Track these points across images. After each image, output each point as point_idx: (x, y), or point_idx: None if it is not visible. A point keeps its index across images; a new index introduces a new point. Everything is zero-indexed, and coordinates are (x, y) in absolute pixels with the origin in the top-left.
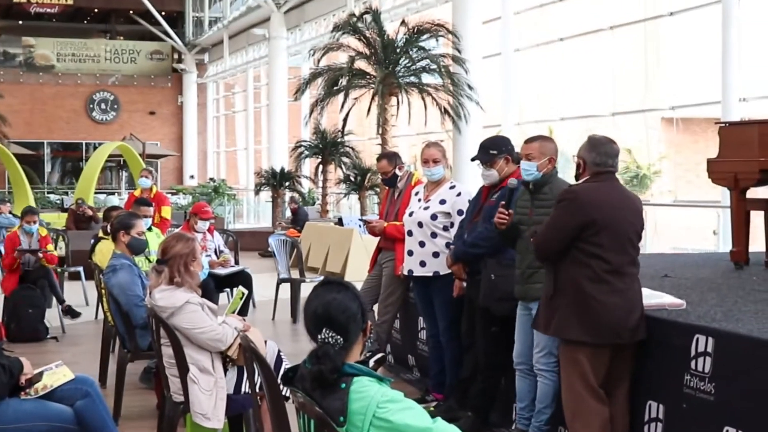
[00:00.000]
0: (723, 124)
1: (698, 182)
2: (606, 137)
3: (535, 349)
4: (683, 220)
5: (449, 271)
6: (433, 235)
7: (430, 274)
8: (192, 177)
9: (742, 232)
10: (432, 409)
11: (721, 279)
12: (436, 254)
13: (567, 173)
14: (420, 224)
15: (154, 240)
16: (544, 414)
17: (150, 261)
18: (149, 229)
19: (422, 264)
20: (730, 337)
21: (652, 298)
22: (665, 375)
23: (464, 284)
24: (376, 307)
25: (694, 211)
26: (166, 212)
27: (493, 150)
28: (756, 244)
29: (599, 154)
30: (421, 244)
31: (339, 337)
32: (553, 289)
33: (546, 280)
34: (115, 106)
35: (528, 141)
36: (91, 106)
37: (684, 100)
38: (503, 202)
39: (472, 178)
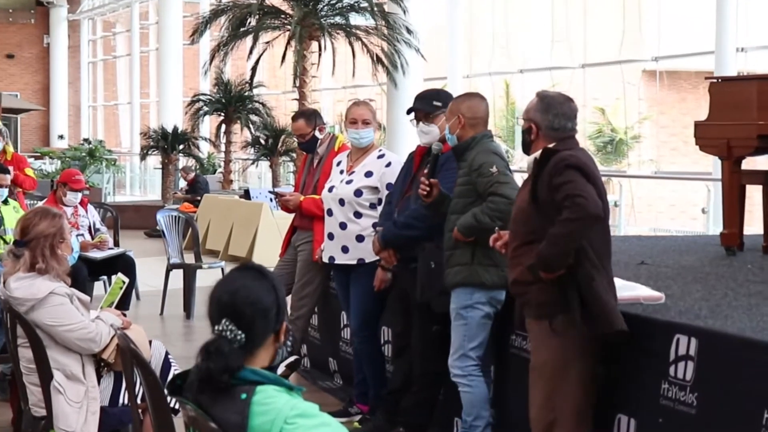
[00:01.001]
0: (714, 80)
1: (685, 150)
2: (561, 94)
3: (450, 351)
4: (666, 195)
5: (376, 258)
6: (357, 214)
7: (354, 262)
8: (61, 137)
9: (735, 210)
10: (356, 425)
11: (708, 267)
12: (360, 238)
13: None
14: (341, 201)
15: (11, 215)
16: (477, 427)
17: (6, 242)
18: (5, 201)
19: (344, 249)
20: (717, 338)
21: (624, 289)
22: (638, 383)
23: (389, 275)
24: (289, 299)
25: (679, 184)
26: (31, 172)
27: (438, 101)
28: (753, 226)
29: (556, 116)
30: (343, 225)
31: (240, 332)
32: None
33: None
34: None
35: None
36: None
37: (670, 50)
38: (425, 170)
39: (410, 145)
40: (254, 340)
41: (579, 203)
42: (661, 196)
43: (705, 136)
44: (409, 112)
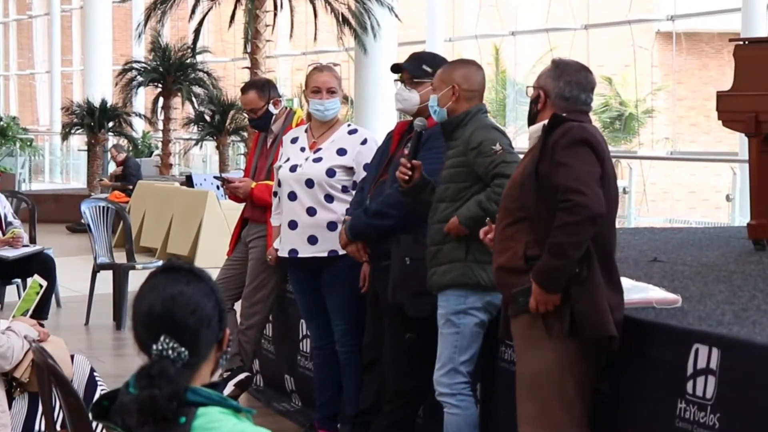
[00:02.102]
0: (741, 42)
1: (707, 126)
2: (579, 62)
3: (436, 364)
4: (684, 180)
5: None
6: (329, 198)
7: (324, 255)
8: None
9: (765, 197)
10: None
11: (734, 264)
12: (332, 225)
13: (518, 112)
14: (309, 183)
15: None
16: None
17: None
18: None
19: (312, 240)
20: (743, 348)
21: (634, 291)
22: (650, 402)
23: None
24: (238, 306)
25: (699, 167)
26: None
27: (429, 67)
28: None
29: (569, 84)
30: (311, 211)
31: (183, 349)
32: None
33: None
34: None
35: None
36: None
37: (688, 7)
38: (407, 150)
39: (381, 121)
40: (199, 354)
41: (579, 203)
42: (678, 181)
43: (729, 109)
44: (393, 69)
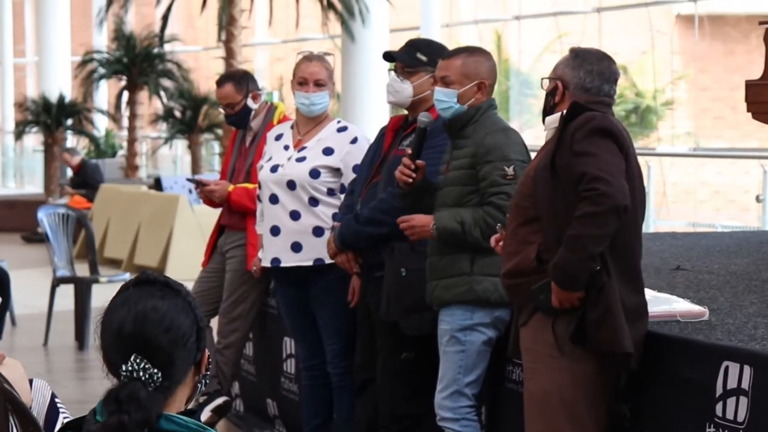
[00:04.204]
0: None
1: (734, 119)
2: (599, 51)
3: (438, 386)
4: (709, 179)
5: None
6: (314, 201)
7: (310, 264)
8: None
9: None
10: None
11: (766, 272)
12: (318, 231)
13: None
14: (291, 185)
15: None
16: None
17: None
18: None
19: (295, 247)
20: None
21: (656, 303)
22: (675, 426)
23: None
24: (215, 323)
25: (726, 165)
26: None
27: (423, 55)
28: None
29: (590, 74)
30: (295, 215)
31: (156, 370)
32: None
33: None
34: None
35: (447, 57)
36: None
37: None
38: (409, 150)
39: (371, 117)
40: (174, 377)
41: (603, 192)
42: (702, 180)
43: (759, 100)
44: (385, 57)
